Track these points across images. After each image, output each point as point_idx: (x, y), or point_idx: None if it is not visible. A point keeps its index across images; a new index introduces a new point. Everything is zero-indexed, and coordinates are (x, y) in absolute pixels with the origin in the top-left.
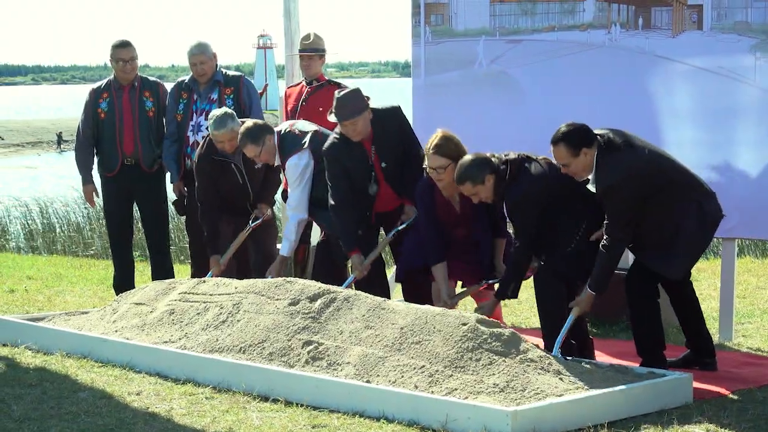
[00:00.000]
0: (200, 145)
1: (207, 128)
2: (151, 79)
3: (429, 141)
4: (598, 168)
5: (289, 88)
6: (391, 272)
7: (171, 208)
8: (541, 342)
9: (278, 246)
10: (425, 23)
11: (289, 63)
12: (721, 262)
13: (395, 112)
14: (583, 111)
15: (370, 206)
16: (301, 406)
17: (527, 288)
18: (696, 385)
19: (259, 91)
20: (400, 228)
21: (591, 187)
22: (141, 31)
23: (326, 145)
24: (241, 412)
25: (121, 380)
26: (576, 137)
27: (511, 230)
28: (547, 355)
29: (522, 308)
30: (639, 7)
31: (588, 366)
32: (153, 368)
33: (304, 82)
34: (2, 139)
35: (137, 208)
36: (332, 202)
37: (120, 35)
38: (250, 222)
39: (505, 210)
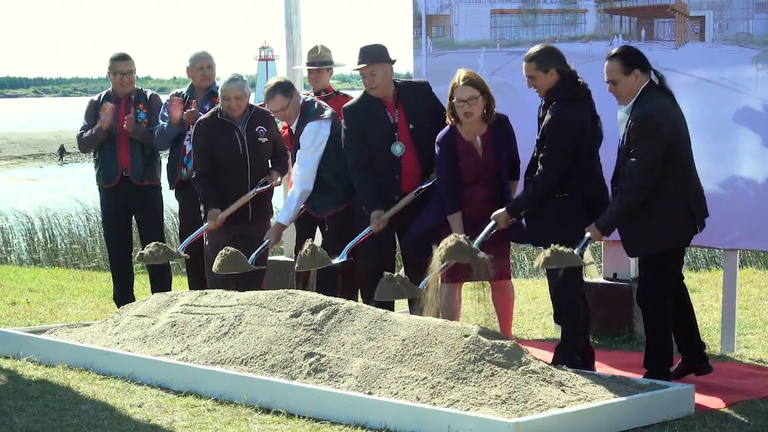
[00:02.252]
0: (207, 113)
1: None
2: (147, 91)
3: (456, 77)
4: (641, 98)
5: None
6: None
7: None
8: (542, 354)
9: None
10: (426, 35)
11: (291, 75)
12: (724, 273)
13: (424, 84)
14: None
15: (397, 170)
16: (303, 418)
17: (529, 300)
18: (698, 396)
19: (260, 103)
20: (423, 187)
21: (620, 113)
22: (143, 44)
23: (347, 103)
24: (243, 424)
25: (122, 392)
26: (633, 56)
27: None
28: (549, 366)
29: (524, 320)
30: (641, 19)
31: (590, 377)
32: (155, 380)
33: (312, 94)
34: None
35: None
36: (350, 164)
37: (122, 47)
38: (257, 186)
39: (545, 123)
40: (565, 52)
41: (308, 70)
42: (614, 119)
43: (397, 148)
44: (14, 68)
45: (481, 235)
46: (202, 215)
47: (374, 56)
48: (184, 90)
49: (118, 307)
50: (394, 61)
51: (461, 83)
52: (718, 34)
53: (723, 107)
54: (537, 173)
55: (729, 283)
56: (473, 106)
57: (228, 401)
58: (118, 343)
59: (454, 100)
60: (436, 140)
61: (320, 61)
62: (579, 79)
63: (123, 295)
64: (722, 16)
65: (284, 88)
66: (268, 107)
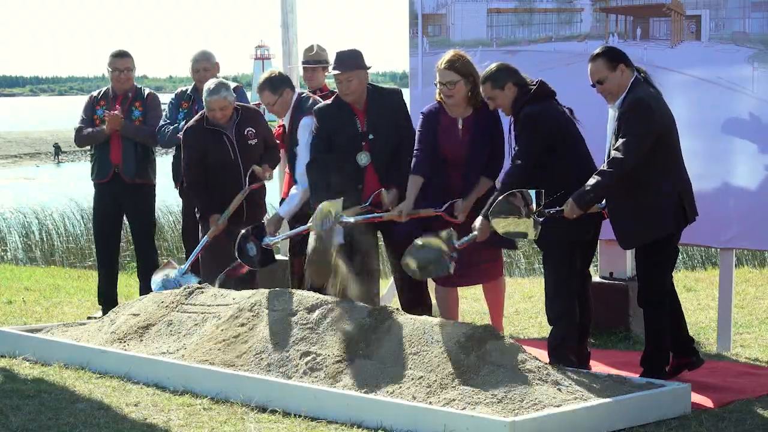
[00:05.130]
0: (192, 120)
1: None
2: (145, 90)
3: (441, 58)
4: (631, 90)
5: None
6: (388, 285)
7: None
8: (539, 352)
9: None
10: (423, 34)
11: (288, 73)
12: (720, 272)
13: (396, 93)
14: (581, 122)
15: (360, 180)
16: (299, 416)
17: (525, 299)
18: (694, 395)
19: (256, 102)
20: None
21: (611, 110)
22: (139, 43)
23: (319, 104)
24: (239, 423)
25: (118, 391)
26: (616, 53)
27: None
28: (546, 365)
29: (520, 319)
30: (637, 18)
31: (586, 376)
32: (151, 379)
33: (308, 92)
34: None
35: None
36: (309, 160)
37: (118, 46)
38: (246, 185)
39: (514, 129)
40: (561, 51)
41: (303, 68)
42: (605, 119)
43: (363, 158)
44: (10, 67)
45: (462, 239)
46: (199, 223)
47: (351, 63)
48: (189, 89)
49: (101, 304)
50: (369, 68)
51: (442, 66)
52: (714, 33)
53: (719, 106)
54: (506, 171)
55: (725, 282)
56: (452, 89)
57: (224, 400)
58: (113, 342)
59: (437, 81)
60: (422, 111)
61: (315, 60)
62: (532, 82)
63: (106, 293)
64: (718, 15)
65: (273, 84)
66: (261, 100)
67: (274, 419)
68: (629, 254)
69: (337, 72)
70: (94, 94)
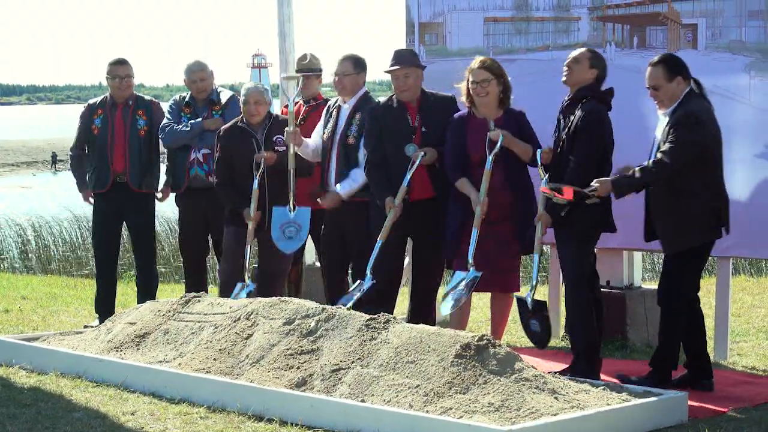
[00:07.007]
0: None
1: (205, 147)
2: (147, 97)
3: (472, 62)
4: (684, 101)
5: (285, 107)
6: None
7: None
8: (536, 361)
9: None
10: (420, 43)
11: (284, 84)
12: (716, 280)
13: (450, 98)
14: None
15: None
16: (296, 425)
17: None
18: (691, 403)
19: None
20: (418, 162)
21: (661, 116)
22: (136, 51)
23: (371, 105)
24: None
25: (115, 400)
26: (677, 63)
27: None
28: (542, 374)
29: (517, 327)
30: (634, 27)
31: (583, 385)
32: (148, 388)
33: (301, 101)
34: None
35: (126, 227)
36: (366, 159)
37: (115, 55)
38: (256, 177)
39: (576, 124)
40: (558, 60)
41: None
42: (625, 125)
43: (410, 149)
44: (7, 75)
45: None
46: (226, 225)
47: (409, 59)
48: (186, 96)
49: (98, 313)
50: (424, 68)
51: (476, 67)
52: (710, 41)
53: (716, 115)
54: (573, 166)
55: (722, 290)
56: (486, 87)
57: (221, 409)
58: (110, 351)
59: (470, 83)
60: (450, 120)
61: (308, 69)
62: (606, 87)
63: (104, 302)
64: (715, 23)
65: (356, 62)
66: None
67: (270, 428)
68: (626, 262)
69: (395, 68)
70: (91, 102)
